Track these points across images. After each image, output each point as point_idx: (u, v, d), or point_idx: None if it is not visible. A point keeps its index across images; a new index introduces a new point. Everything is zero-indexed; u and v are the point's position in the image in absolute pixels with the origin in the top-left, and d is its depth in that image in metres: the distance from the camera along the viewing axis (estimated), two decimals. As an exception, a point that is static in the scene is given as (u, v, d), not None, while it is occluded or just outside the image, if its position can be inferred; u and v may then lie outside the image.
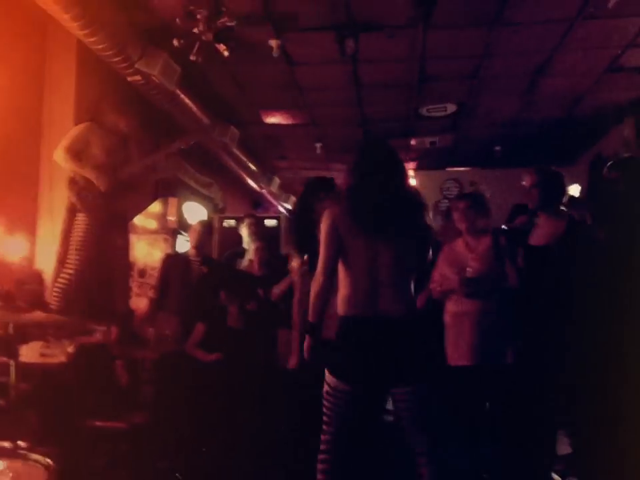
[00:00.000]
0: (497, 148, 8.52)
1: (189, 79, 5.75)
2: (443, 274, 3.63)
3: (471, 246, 3.62)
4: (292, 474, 3.29)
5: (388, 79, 6.29)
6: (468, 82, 6.42)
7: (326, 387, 2.51)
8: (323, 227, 2.53)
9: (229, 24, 4.44)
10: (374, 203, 2.46)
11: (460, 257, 3.62)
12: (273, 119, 7.68)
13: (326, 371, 2.51)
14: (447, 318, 3.61)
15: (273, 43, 4.94)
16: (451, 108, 7.22)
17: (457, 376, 3.48)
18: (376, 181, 2.52)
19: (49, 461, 0.97)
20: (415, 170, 9.56)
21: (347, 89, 6.59)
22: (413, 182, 9.39)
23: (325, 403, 2.52)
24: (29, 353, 3.62)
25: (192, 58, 4.73)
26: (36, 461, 1.02)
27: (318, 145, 8.35)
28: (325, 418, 2.52)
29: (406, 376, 2.42)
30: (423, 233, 2.56)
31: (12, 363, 1.61)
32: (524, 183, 3.45)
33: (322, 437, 2.51)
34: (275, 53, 4.93)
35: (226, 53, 4.70)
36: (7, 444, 1.34)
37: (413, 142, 8.42)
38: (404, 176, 2.66)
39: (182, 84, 5.68)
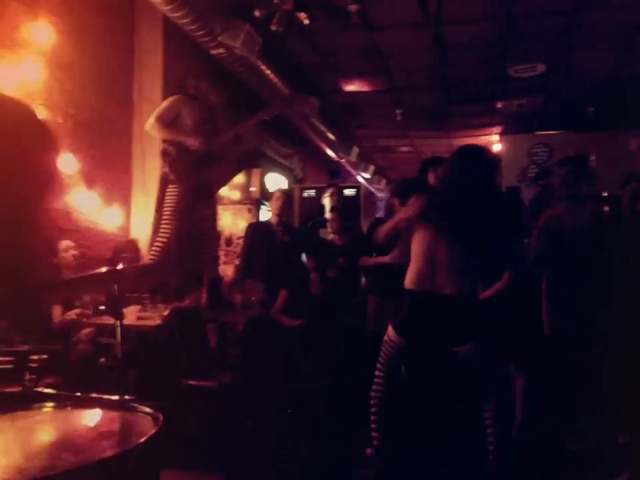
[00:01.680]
0: (590, 109, 7.99)
1: (269, 50, 5.80)
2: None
3: (572, 214, 3.43)
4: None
5: (473, 39, 6.04)
6: (559, 39, 6.04)
7: (386, 337, 3.02)
8: (408, 209, 3.03)
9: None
10: (450, 203, 2.87)
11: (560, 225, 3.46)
12: (352, 87, 7.61)
13: (389, 326, 3.03)
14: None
15: (353, 7, 4.87)
16: (541, 68, 6.84)
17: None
18: (461, 185, 2.88)
19: (157, 412, 1.06)
20: (502, 134, 9.19)
21: (429, 52, 6.40)
22: (498, 147, 9.04)
23: (381, 351, 3.04)
24: (128, 316, 3.89)
25: (273, 28, 4.76)
26: (144, 413, 1.12)
27: (398, 112, 8.20)
28: (378, 365, 3.05)
29: (455, 339, 2.90)
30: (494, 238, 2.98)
31: (117, 323, 1.75)
32: (632, 146, 3.24)
33: (375, 380, 3.03)
34: (354, 19, 4.85)
35: (306, 21, 4.70)
36: (115, 397, 1.46)
37: (499, 105, 8.07)
38: (490, 181, 2.98)
39: (263, 55, 5.74)
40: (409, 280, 2.94)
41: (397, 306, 3.26)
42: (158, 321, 3.83)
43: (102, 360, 3.77)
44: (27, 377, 1.79)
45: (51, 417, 1.18)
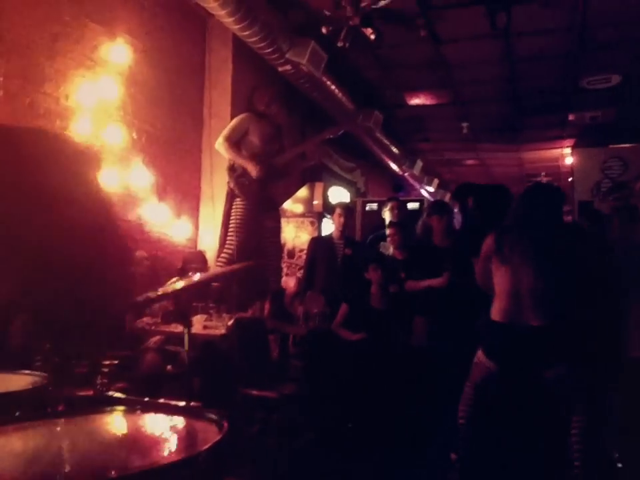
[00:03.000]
0: (669, 121, 7.57)
1: (334, 65, 5.87)
2: None
3: None
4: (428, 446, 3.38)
5: (544, 50, 5.89)
6: (635, 50, 5.78)
7: (476, 360, 3.16)
8: (483, 248, 3.21)
9: (374, 6, 4.45)
10: (519, 238, 3.08)
11: None
12: (417, 100, 7.57)
13: (479, 350, 3.16)
14: None
15: (420, 22, 4.86)
16: (615, 79, 6.56)
17: None
18: (528, 220, 3.10)
19: (222, 420, 1.09)
20: (573, 147, 8.86)
21: (498, 64, 6.28)
22: (570, 160, 8.71)
23: (472, 370, 3.19)
24: (194, 325, 4.00)
25: (339, 44, 4.82)
26: (210, 420, 1.15)
27: (464, 125, 8.08)
28: (468, 382, 3.20)
29: (543, 364, 3.01)
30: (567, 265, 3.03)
31: (186, 331, 1.82)
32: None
33: (464, 396, 3.21)
34: (423, 32, 4.84)
35: (372, 37, 4.72)
36: (182, 403, 1.51)
37: (571, 117, 7.80)
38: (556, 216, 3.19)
39: (328, 71, 5.82)
40: (494, 312, 3.10)
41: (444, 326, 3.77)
42: (223, 331, 3.91)
43: (169, 367, 3.90)
44: (99, 381, 1.88)
45: (121, 420, 1.23)
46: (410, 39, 5.25)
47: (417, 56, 6.03)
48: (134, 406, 1.26)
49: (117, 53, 4.28)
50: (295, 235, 6.33)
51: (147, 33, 4.64)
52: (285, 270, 5.70)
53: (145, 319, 3.96)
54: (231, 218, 4.59)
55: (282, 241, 5.41)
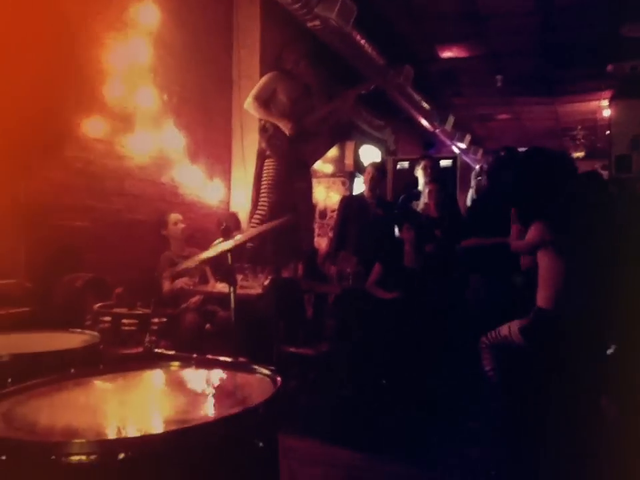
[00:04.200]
0: None
1: (363, 19, 5.72)
2: None
3: None
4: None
5: (582, -2, 5.63)
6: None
7: (507, 332, 3.23)
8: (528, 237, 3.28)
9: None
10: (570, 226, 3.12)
11: None
12: (449, 53, 7.36)
13: (515, 325, 3.20)
14: None
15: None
16: (659, 25, 6.24)
17: None
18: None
19: (275, 374, 1.12)
20: (612, 99, 8.53)
21: (533, 14, 6.03)
22: (607, 113, 8.41)
23: (501, 342, 3.26)
24: (230, 284, 4.08)
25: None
26: (263, 374, 1.18)
27: (499, 78, 7.84)
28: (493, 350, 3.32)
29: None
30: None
31: (231, 289, 1.86)
32: None
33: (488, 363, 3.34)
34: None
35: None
36: (229, 359, 1.55)
37: (609, 68, 7.48)
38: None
39: (357, 26, 5.67)
40: (539, 298, 3.14)
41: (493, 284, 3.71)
42: (259, 290, 3.98)
43: (207, 326, 4.01)
44: (148, 338, 1.95)
45: (176, 375, 1.28)
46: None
47: (450, 6, 5.84)
48: (188, 362, 1.30)
49: (146, 14, 4.25)
50: (326, 195, 6.31)
51: (174, -8, 4.58)
52: (316, 230, 5.71)
53: (183, 280, 4.05)
54: (263, 179, 4.58)
55: (313, 202, 5.40)
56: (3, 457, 0.85)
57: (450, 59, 7.51)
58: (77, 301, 3.01)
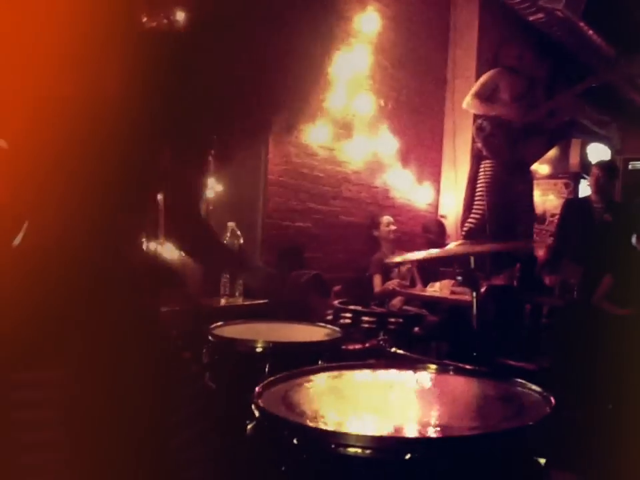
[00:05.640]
0: None
1: (591, 7, 5.21)
2: None
3: None
4: None
5: None
6: None
7: None
8: None
9: None
10: None
11: None
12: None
13: None
14: None
15: None
16: None
17: None
18: None
19: (546, 392, 1.04)
20: None
21: None
22: None
23: None
24: (442, 290, 4.02)
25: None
26: (531, 390, 1.11)
27: None
28: None
29: None
30: None
31: (474, 295, 1.84)
32: None
33: None
34: None
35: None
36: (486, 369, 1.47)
37: None
38: None
39: (585, 15, 5.19)
40: None
41: None
42: (470, 297, 3.84)
43: (416, 329, 3.99)
44: (381, 336, 1.98)
45: (437, 379, 1.26)
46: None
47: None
48: (447, 367, 1.28)
49: (368, 22, 4.38)
50: (544, 198, 5.87)
51: (396, -1, 4.66)
52: (534, 237, 5.35)
53: (394, 282, 4.10)
54: (479, 181, 4.43)
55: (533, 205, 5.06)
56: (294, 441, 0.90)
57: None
58: (301, 296, 3.20)
